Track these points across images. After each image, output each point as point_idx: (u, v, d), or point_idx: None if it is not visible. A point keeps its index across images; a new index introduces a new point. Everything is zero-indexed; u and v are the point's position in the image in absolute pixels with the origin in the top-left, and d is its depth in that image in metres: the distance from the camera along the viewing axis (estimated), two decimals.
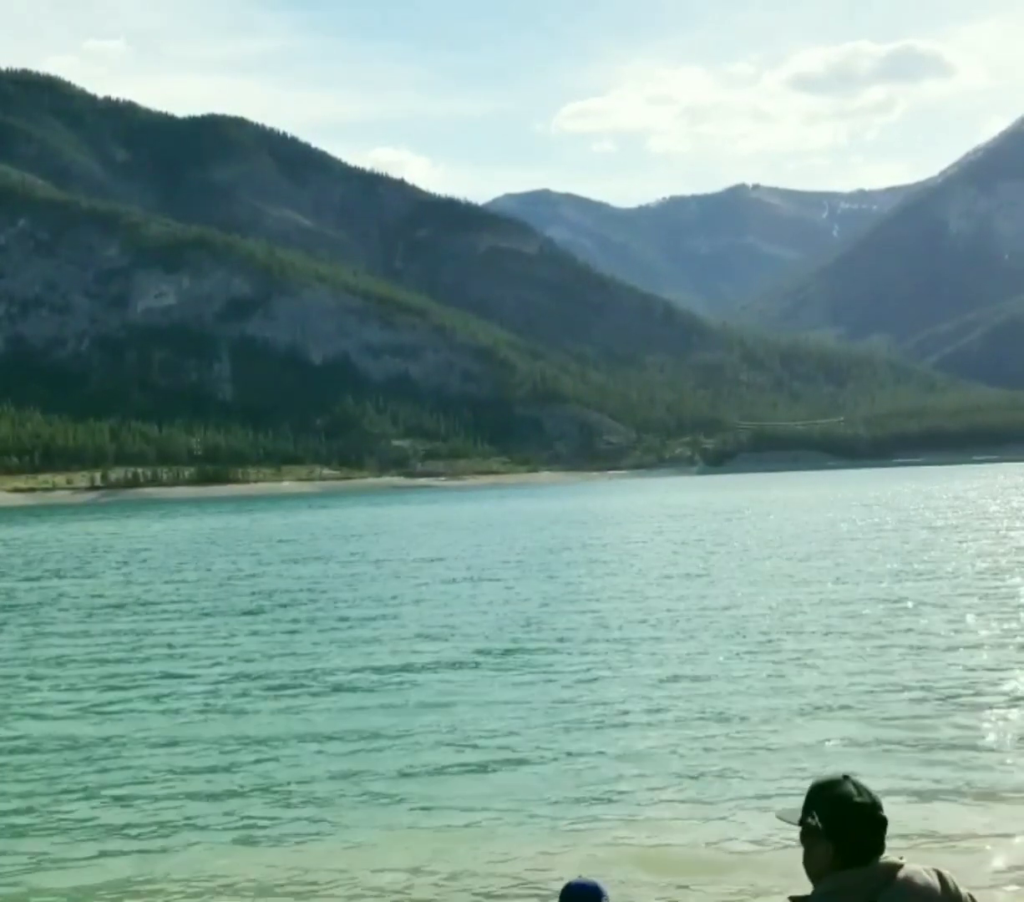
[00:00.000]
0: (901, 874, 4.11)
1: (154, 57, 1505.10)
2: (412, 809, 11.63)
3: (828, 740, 13.49)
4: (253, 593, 32.45)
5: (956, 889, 4.20)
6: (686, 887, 9.32)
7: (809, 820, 4.16)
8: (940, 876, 4.20)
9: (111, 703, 17.16)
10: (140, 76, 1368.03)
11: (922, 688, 16.00)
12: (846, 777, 4.19)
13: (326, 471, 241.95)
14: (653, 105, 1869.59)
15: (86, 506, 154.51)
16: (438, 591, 30.73)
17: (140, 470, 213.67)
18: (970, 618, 22.54)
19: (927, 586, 28.21)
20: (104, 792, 12.49)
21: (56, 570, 43.83)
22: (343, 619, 25.79)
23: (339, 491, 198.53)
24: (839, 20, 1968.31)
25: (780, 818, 4.34)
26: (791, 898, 4.17)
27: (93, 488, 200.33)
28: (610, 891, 5.09)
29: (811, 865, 4.18)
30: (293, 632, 23.96)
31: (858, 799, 4.10)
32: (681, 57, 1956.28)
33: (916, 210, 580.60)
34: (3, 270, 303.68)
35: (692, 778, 12.23)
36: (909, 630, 21.26)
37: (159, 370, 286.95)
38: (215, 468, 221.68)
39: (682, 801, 11.52)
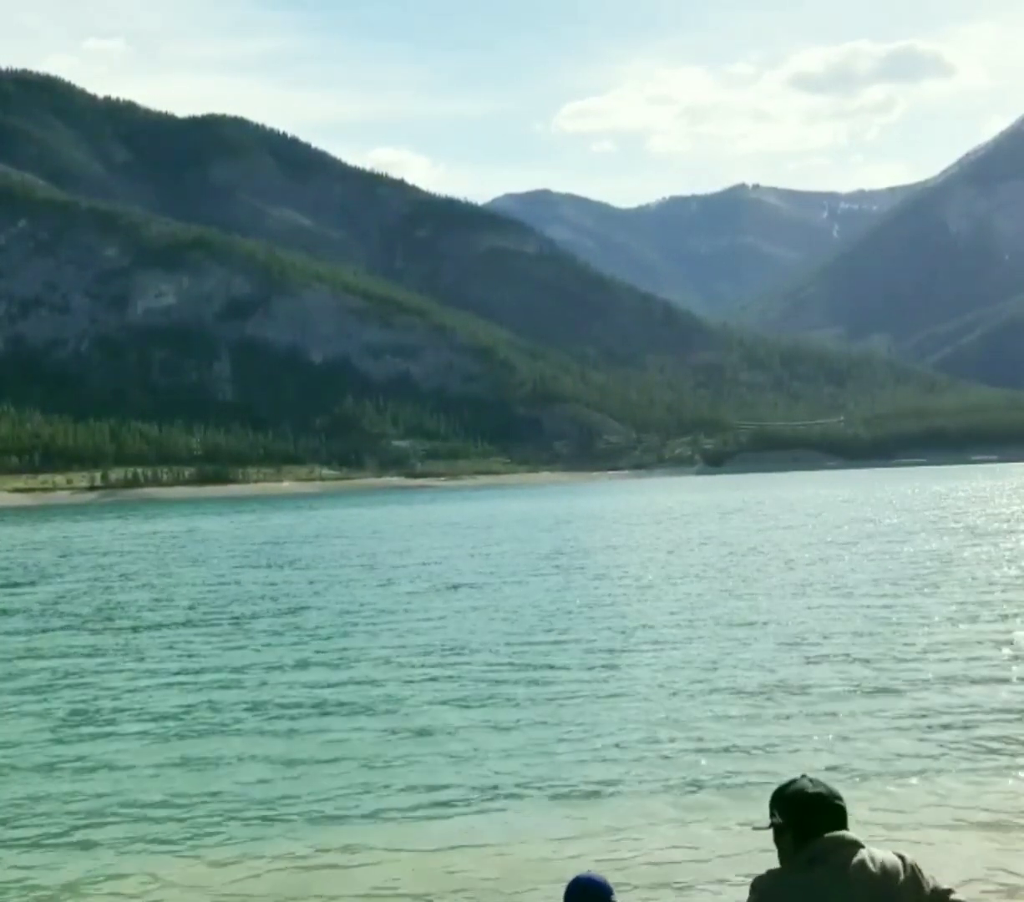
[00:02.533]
0: (850, 849, 4.65)
1: (154, 57, 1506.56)
2: (391, 821, 11.70)
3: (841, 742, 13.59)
4: (228, 602, 30.95)
5: (914, 874, 4.71)
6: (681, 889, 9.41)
7: (774, 819, 4.75)
8: (901, 860, 4.73)
9: (61, 720, 16.52)
10: (140, 76, 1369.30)
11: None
12: (803, 776, 4.85)
13: (326, 471, 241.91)
14: (653, 105, 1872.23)
15: (81, 506, 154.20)
16: (426, 599, 29.75)
17: (140, 470, 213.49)
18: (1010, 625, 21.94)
19: (968, 593, 27.10)
20: (58, 807, 12.24)
21: (23, 576, 42.16)
22: (320, 629, 24.60)
23: (339, 491, 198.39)
24: (839, 20, 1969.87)
25: (756, 829, 4.92)
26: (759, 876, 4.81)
27: (93, 488, 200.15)
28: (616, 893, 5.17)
29: (781, 856, 4.76)
30: (264, 645, 22.63)
31: (811, 790, 4.72)
32: (681, 57, 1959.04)
33: (916, 210, 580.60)
34: (3, 270, 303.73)
35: (708, 786, 12.25)
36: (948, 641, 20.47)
37: (159, 370, 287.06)
38: (215, 468, 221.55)
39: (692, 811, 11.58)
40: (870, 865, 4.63)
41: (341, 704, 16.79)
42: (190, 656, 21.59)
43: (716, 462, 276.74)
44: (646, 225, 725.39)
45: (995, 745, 13.22)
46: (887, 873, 4.65)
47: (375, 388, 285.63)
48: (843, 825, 4.72)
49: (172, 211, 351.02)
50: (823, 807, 4.69)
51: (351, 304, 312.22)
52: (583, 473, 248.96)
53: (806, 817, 4.68)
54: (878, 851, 4.73)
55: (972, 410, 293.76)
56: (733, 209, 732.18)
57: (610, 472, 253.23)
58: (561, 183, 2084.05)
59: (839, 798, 4.74)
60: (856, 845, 4.68)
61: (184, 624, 26.35)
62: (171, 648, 22.69)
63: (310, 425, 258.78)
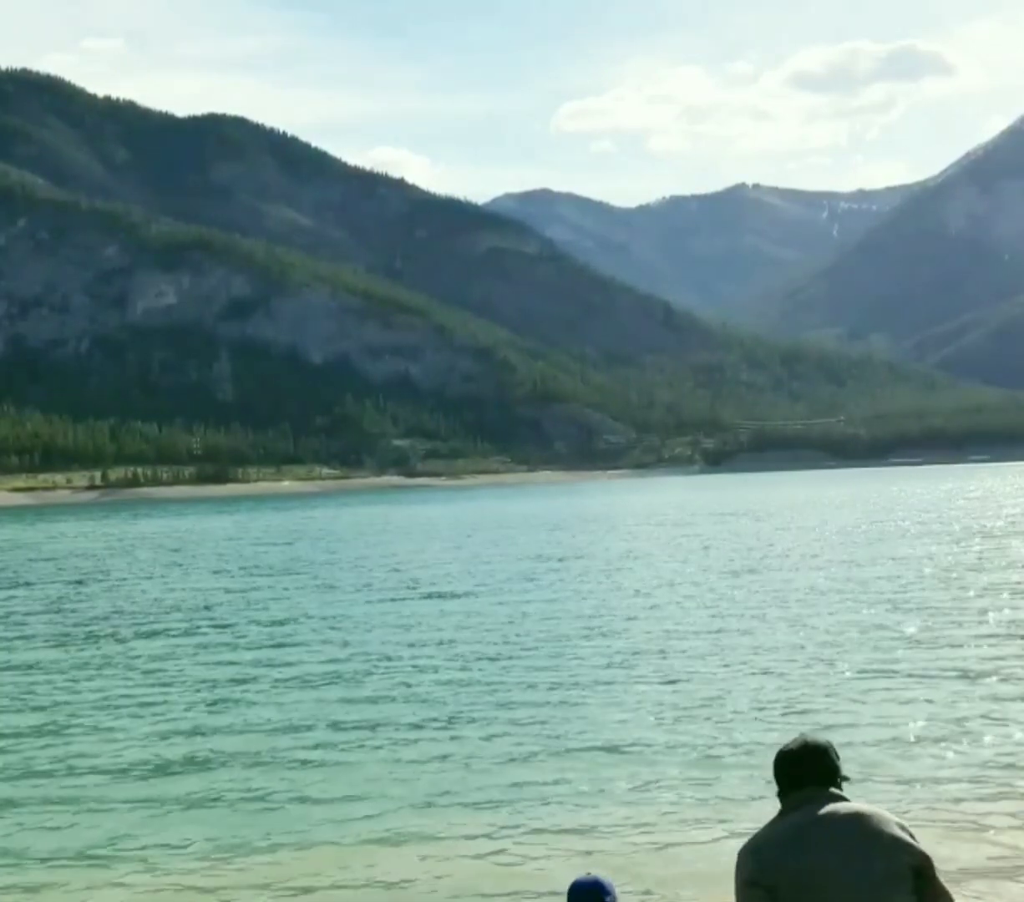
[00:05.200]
0: (831, 799, 4.74)
1: (153, 56, 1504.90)
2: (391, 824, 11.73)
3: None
4: (191, 608, 29.51)
5: (898, 836, 4.67)
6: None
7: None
8: (893, 821, 4.73)
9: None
10: (139, 75, 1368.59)
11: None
12: (800, 734, 5.02)
13: (326, 471, 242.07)
14: (653, 104, 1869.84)
15: (76, 506, 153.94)
16: (405, 607, 28.26)
17: (140, 470, 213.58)
18: None
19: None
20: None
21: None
22: (283, 639, 23.33)
23: (339, 491, 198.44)
24: (839, 19, 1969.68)
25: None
26: None
27: (93, 488, 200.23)
28: (616, 890, 5.16)
29: None
30: (219, 659, 21.26)
31: (794, 746, 4.87)
32: (680, 56, 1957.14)
33: (916, 210, 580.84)
34: (3, 270, 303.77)
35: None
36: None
37: (159, 370, 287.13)
38: (215, 468, 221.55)
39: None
40: (852, 815, 4.67)
41: (309, 712, 16.36)
42: (149, 669, 20.37)
43: (716, 462, 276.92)
44: (646, 225, 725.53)
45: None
46: (872, 824, 4.67)
47: (375, 388, 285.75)
48: (830, 779, 4.80)
49: (172, 211, 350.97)
50: (804, 760, 4.78)
51: (351, 304, 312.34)
52: (583, 473, 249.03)
53: (790, 770, 4.81)
54: (868, 806, 4.77)
55: (972, 410, 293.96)
56: (733, 209, 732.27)
57: (610, 472, 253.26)
58: (561, 183, 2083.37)
59: (823, 751, 4.81)
60: (839, 797, 4.74)
61: (148, 634, 24.84)
62: (134, 659, 21.46)
63: (310, 425, 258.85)
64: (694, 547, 44.69)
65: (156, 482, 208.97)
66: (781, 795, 4.84)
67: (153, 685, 18.69)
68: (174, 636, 24.56)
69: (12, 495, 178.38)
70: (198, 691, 18.07)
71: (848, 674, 17.24)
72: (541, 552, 44.54)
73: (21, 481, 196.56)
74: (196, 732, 15.26)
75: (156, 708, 16.88)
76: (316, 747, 14.24)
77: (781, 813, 4.81)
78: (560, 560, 40.52)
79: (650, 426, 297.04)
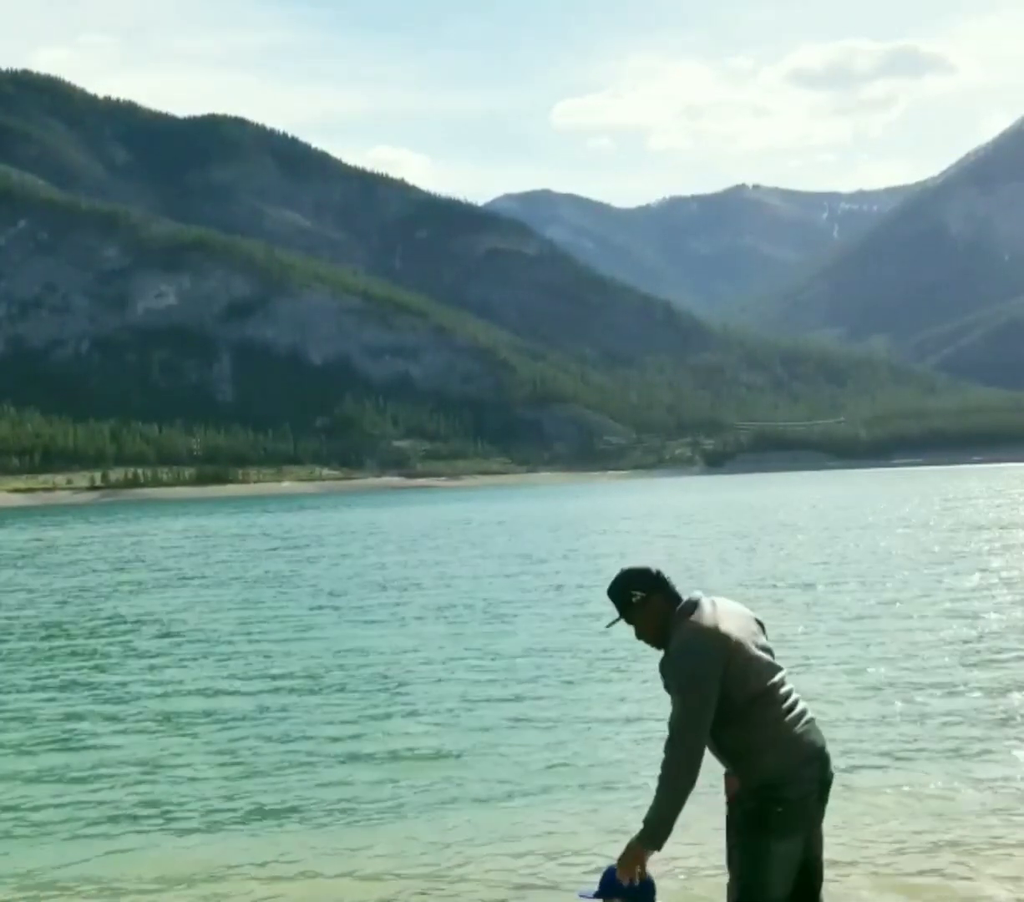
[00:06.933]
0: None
1: (151, 53, 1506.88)
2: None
3: None
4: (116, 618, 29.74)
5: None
6: None
7: (632, 598, 4.95)
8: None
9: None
10: (136, 72, 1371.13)
11: None
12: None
13: (326, 471, 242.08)
14: (652, 101, 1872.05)
15: (73, 507, 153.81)
16: (402, 614, 26.54)
17: (140, 471, 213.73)
18: None
19: None
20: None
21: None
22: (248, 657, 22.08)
23: (338, 491, 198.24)
24: (839, 16, 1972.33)
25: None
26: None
27: (93, 488, 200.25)
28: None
29: (655, 620, 4.96)
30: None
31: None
32: (680, 53, 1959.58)
33: (916, 210, 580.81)
34: (3, 270, 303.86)
35: None
36: None
37: (159, 371, 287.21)
38: (215, 469, 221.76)
39: None
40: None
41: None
42: (118, 684, 18.97)
43: (716, 463, 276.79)
44: (646, 225, 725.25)
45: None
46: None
47: (375, 389, 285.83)
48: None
49: (172, 211, 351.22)
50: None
51: (351, 305, 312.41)
52: (583, 474, 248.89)
53: (667, 581, 5.09)
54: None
55: (972, 411, 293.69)
56: (733, 209, 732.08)
57: (610, 473, 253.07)
58: (560, 183, 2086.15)
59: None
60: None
61: (126, 645, 23.31)
62: (108, 672, 20.73)
63: (310, 426, 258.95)
64: (714, 551, 44.35)
65: (156, 483, 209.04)
66: (670, 601, 4.97)
67: (125, 698, 17.31)
68: (162, 646, 23.28)
69: (12, 496, 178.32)
70: (177, 704, 17.72)
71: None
72: (542, 555, 44.25)
73: (21, 482, 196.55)
74: (176, 741, 15.04)
75: (132, 720, 16.61)
76: (301, 756, 14.05)
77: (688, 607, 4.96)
78: (561, 561, 40.30)
79: (650, 427, 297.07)
